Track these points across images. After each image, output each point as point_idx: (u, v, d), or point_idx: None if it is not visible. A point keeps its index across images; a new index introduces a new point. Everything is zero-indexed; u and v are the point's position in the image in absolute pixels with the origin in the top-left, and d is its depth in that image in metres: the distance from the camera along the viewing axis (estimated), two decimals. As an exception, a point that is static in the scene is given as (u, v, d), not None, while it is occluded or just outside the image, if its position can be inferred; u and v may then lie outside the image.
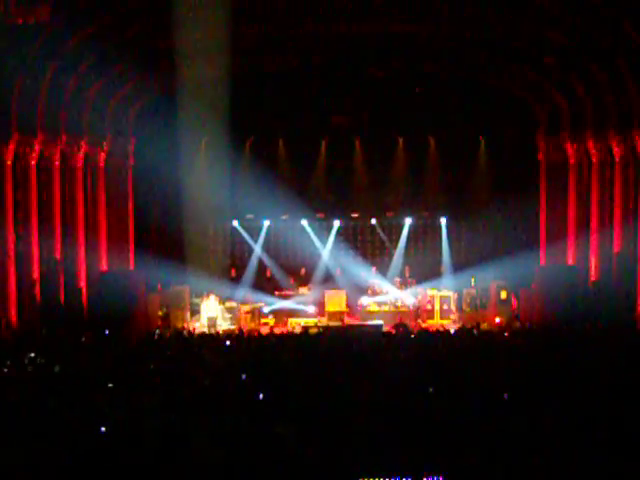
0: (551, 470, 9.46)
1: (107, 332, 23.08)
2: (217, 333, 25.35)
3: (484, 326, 26.31)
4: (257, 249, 32.97)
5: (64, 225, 26.67)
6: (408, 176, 33.20)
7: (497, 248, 31.66)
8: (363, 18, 25.70)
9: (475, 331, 23.26)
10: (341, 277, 31.96)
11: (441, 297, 29.98)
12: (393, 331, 24.78)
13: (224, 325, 27.98)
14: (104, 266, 29.11)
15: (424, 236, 33.62)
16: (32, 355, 17.95)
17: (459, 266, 32.06)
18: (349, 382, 13.56)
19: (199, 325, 28.27)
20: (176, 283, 29.52)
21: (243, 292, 30.79)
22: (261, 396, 12.71)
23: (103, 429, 10.83)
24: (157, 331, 25.23)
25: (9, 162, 24.14)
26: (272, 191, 31.36)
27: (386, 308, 29.80)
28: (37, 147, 25.07)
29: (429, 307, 29.89)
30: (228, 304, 29.19)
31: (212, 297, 28.74)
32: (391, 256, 33.03)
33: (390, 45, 27.80)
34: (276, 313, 29.85)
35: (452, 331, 23.44)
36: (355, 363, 15.90)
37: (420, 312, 29.56)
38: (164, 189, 31.25)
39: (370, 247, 33.89)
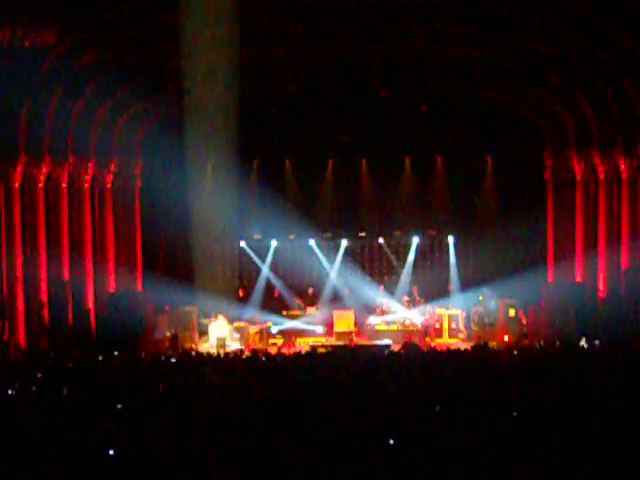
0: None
1: (116, 353, 23.10)
2: (226, 354, 25.33)
3: (492, 344, 26.23)
4: (265, 269, 32.97)
5: (72, 247, 26.77)
6: (415, 195, 33.21)
7: (505, 266, 31.57)
8: (369, 38, 25.85)
9: (485, 349, 23.24)
10: (349, 297, 31.92)
11: (449, 316, 29.91)
12: (402, 350, 24.71)
13: (233, 345, 27.93)
14: (112, 287, 29.14)
15: (432, 255, 33.56)
16: (40, 377, 17.96)
17: (467, 284, 31.98)
18: (357, 401, 13.53)
19: (208, 346, 28.22)
20: (184, 304, 29.49)
21: (251, 312, 30.78)
22: (270, 417, 12.68)
23: (111, 452, 10.80)
24: (166, 352, 25.21)
25: (17, 184, 24.31)
26: (279, 211, 31.42)
27: (394, 327, 29.71)
28: (45, 169, 25.23)
29: (437, 326, 29.78)
30: (236, 324, 29.15)
31: (221, 317, 28.71)
32: (399, 275, 32.98)
33: (396, 65, 27.88)
34: (284, 333, 29.84)
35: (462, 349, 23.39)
36: (364, 382, 15.86)
37: (429, 331, 29.47)
38: (171, 210, 31.27)
39: (378, 266, 33.84)
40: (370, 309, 30.83)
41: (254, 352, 24.88)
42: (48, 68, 23.40)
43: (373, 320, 30.10)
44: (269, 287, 32.87)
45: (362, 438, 10.95)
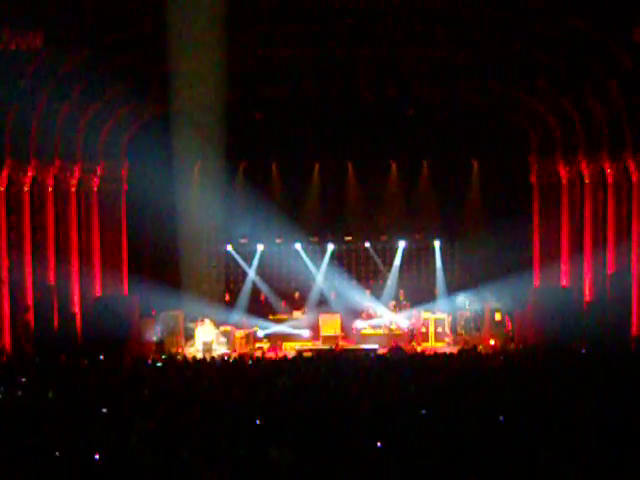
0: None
1: (101, 357, 23.02)
2: (212, 358, 25.27)
3: (479, 348, 26.26)
4: (251, 273, 32.92)
5: (58, 250, 26.67)
6: (401, 199, 33.23)
7: (491, 270, 31.62)
8: (355, 42, 25.83)
9: (472, 354, 23.23)
10: (335, 301, 31.93)
11: (435, 320, 29.94)
12: (388, 354, 24.71)
13: (219, 350, 27.87)
14: (98, 291, 29.04)
15: (418, 259, 33.59)
16: (25, 381, 17.87)
17: (453, 288, 32.02)
18: (344, 405, 13.52)
19: (194, 350, 28.13)
20: (170, 308, 29.40)
21: (237, 316, 30.73)
22: (257, 420, 12.66)
23: (97, 457, 10.75)
24: (152, 356, 25.13)
25: (2, 188, 24.21)
26: (266, 215, 31.41)
27: (381, 331, 29.74)
28: (30, 173, 25.14)
29: (424, 330, 29.80)
30: (223, 328, 29.08)
31: (207, 321, 28.64)
32: (385, 279, 32.98)
33: (382, 69, 27.89)
34: (271, 337, 29.81)
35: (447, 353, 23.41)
36: (350, 386, 15.85)
37: (414, 335, 29.52)
38: (158, 213, 31.18)
39: (364, 270, 33.84)
40: (356, 313, 30.85)
41: (240, 356, 24.84)
42: (34, 71, 23.31)
43: (359, 324, 30.11)
44: (255, 291, 32.83)
45: (349, 440, 10.94)
